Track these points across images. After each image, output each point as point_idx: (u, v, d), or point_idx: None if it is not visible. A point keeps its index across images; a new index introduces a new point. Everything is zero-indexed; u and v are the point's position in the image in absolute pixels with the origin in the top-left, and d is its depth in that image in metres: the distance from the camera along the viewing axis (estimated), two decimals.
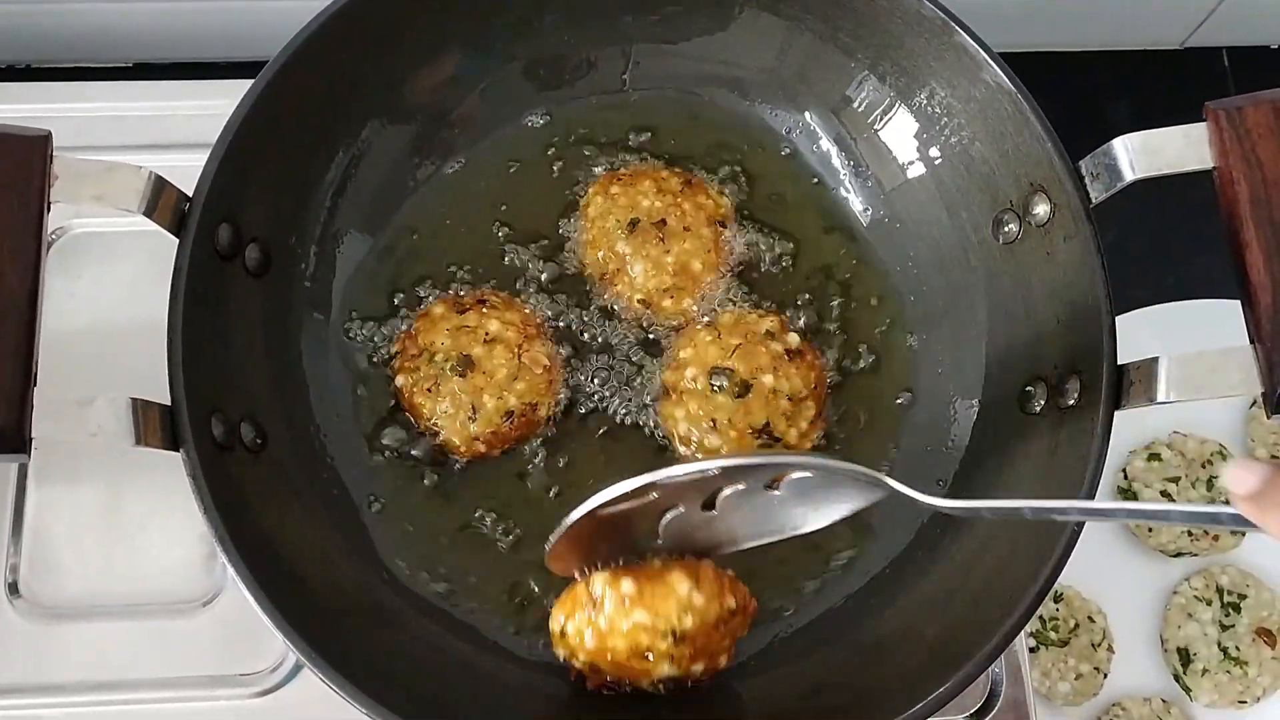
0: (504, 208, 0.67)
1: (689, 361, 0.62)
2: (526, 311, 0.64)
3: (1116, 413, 0.55)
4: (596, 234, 0.65)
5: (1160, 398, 0.52)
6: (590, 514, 0.51)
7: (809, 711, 0.56)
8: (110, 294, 0.71)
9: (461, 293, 0.64)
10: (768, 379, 0.61)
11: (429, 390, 0.61)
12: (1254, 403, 0.91)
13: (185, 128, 0.73)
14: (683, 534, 0.54)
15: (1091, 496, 0.53)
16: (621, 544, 0.53)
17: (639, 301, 0.64)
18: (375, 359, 0.63)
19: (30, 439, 0.48)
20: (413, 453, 0.62)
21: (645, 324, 0.65)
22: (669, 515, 0.53)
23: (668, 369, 0.63)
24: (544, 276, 0.65)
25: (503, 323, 0.62)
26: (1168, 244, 0.95)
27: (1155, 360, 0.53)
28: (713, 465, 0.50)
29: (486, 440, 0.61)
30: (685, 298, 0.64)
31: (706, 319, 0.64)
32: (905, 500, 0.51)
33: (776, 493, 0.52)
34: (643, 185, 0.65)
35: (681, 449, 0.62)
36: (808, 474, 0.51)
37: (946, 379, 0.64)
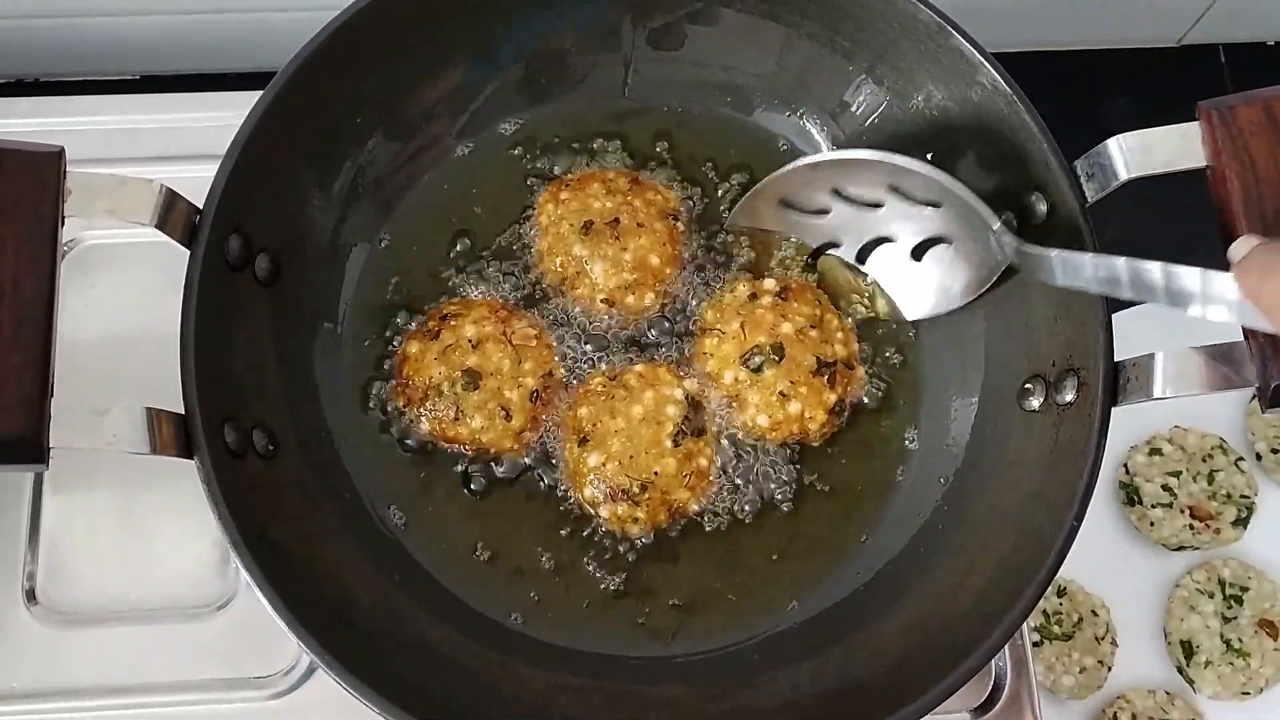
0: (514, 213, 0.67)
1: (719, 371, 0.63)
2: (488, 300, 0.65)
3: (1115, 408, 0.55)
4: (552, 240, 0.65)
5: (1157, 393, 0.53)
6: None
7: (813, 706, 0.57)
8: (122, 304, 0.72)
9: (411, 324, 0.65)
10: (786, 326, 0.63)
11: (456, 419, 0.62)
12: (1253, 397, 0.91)
13: (194, 139, 0.74)
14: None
15: (1090, 491, 0.54)
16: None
17: (602, 301, 0.65)
18: (387, 365, 0.64)
19: (48, 448, 0.49)
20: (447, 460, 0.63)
21: (615, 322, 0.65)
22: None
23: (712, 389, 0.64)
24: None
25: (475, 322, 0.63)
26: (1165, 242, 0.96)
27: (1152, 356, 0.54)
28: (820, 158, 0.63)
29: (528, 429, 0.62)
30: (647, 293, 0.65)
31: (692, 326, 0.65)
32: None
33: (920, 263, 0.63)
34: (591, 188, 0.66)
35: (771, 434, 0.63)
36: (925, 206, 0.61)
37: (946, 377, 0.65)
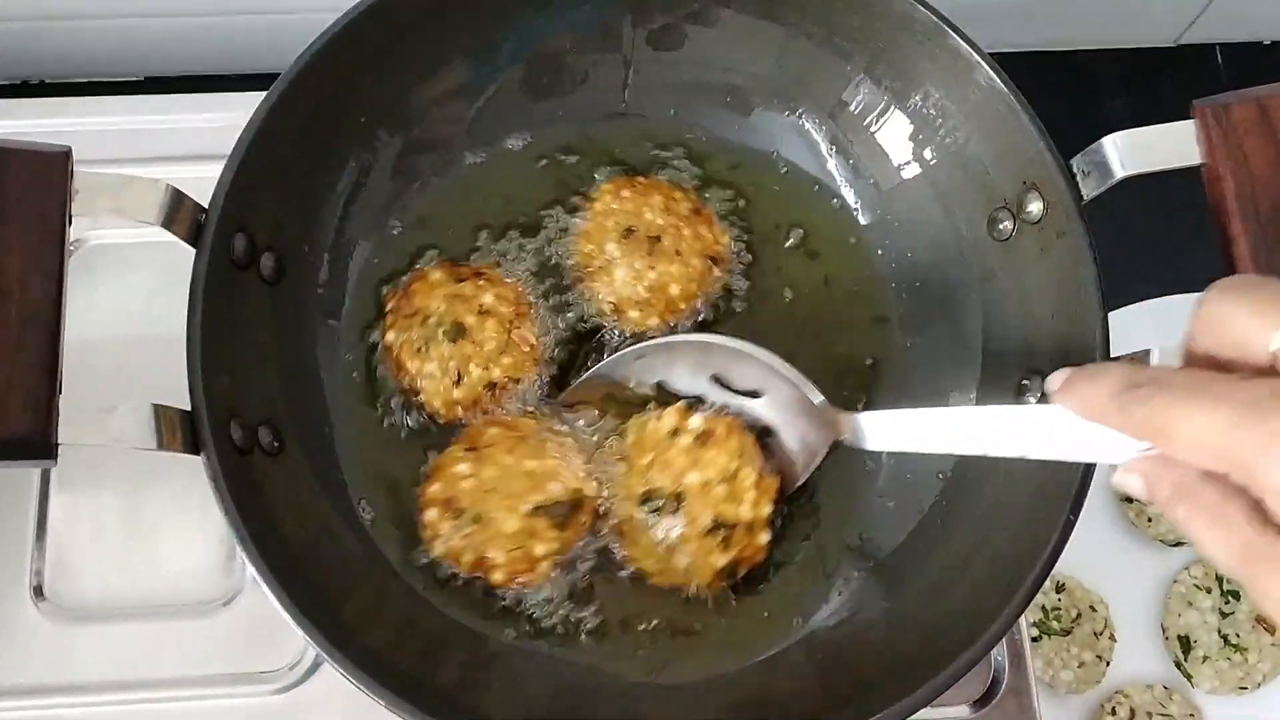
0: (511, 209, 0.68)
1: (619, 501, 0.61)
2: (520, 290, 0.65)
3: None
4: (594, 228, 0.66)
5: None
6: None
7: (810, 699, 0.57)
8: (128, 303, 0.72)
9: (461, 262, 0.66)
10: (693, 476, 0.59)
11: (418, 351, 0.62)
12: None
13: (199, 140, 0.74)
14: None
15: (1086, 487, 0.54)
16: None
17: (609, 303, 0.65)
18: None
19: (57, 445, 0.49)
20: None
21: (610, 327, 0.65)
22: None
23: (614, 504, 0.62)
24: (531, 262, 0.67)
25: (497, 296, 0.64)
26: (1162, 239, 0.97)
27: (1147, 352, 0.54)
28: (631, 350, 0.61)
29: (465, 406, 0.62)
30: (653, 317, 0.65)
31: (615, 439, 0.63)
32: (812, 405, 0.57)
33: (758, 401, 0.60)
34: (652, 198, 0.66)
35: (654, 578, 0.61)
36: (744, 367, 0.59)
37: (943, 373, 0.65)
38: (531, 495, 0.59)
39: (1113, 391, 0.43)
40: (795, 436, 0.60)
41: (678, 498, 0.59)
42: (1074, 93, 1.02)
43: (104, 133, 0.76)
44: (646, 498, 0.59)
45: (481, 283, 0.64)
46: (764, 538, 0.60)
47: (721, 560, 0.59)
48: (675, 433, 0.60)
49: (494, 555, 0.58)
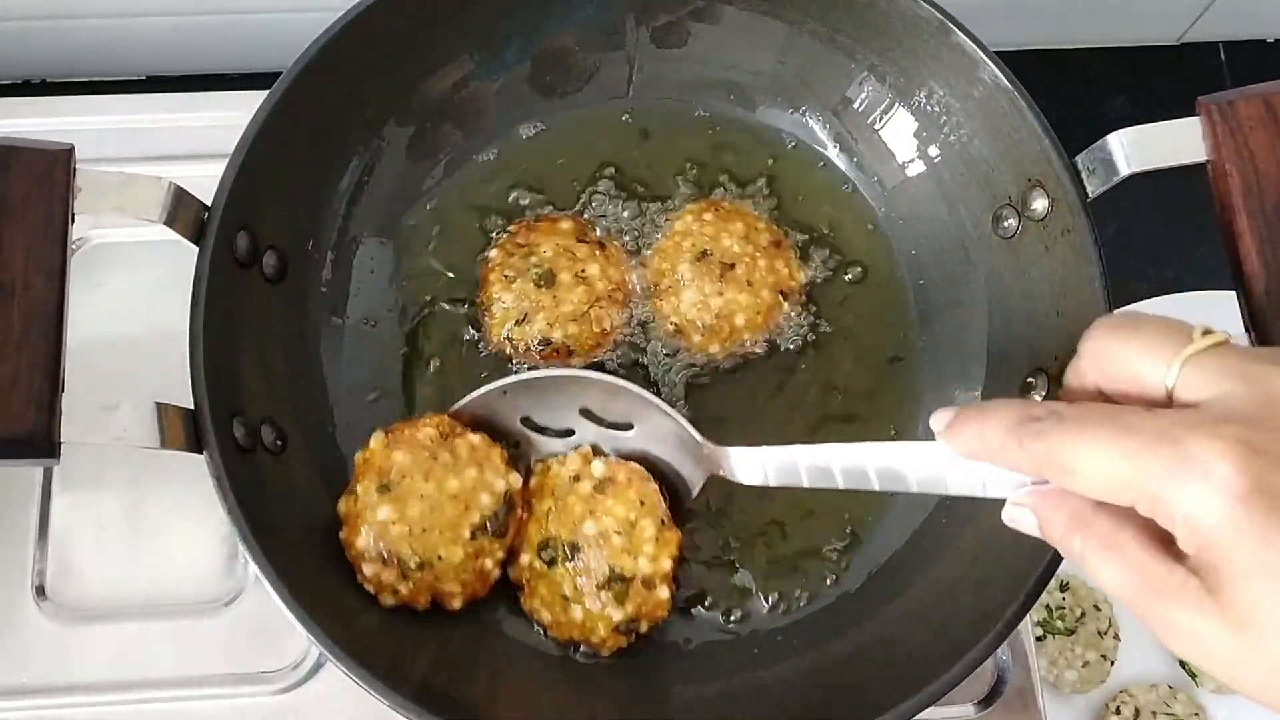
0: (514, 206, 0.68)
1: (519, 550, 0.58)
2: (626, 278, 0.65)
3: None
4: (670, 247, 0.65)
5: None
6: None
7: (812, 703, 0.57)
8: (131, 302, 0.72)
9: (597, 228, 0.66)
10: (589, 526, 0.57)
11: (506, 277, 0.63)
12: None
13: (201, 138, 0.74)
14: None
15: None
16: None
17: (672, 324, 0.64)
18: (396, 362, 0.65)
19: (59, 444, 0.49)
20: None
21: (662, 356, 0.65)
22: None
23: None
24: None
25: (601, 270, 0.64)
26: (1167, 236, 0.97)
27: None
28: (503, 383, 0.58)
29: (514, 347, 0.63)
30: (715, 343, 0.64)
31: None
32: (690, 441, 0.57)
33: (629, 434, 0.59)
34: (733, 225, 0.65)
35: (552, 630, 0.59)
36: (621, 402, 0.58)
37: (948, 371, 0.65)
38: (467, 517, 0.56)
39: (1007, 426, 0.42)
40: (672, 469, 0.59)
41: (573, 547, 0.57)
42: (1077, 91, 1.02)
43: (106, 132, 0.76)
44: (543, 545, 0.57)
45: (598, 253, 0.64)
46: (663, 593, 0.57)
47: (617, 615, 0.56)
48: (577, 478, 0.58)
49: (448, 587, 0.56)
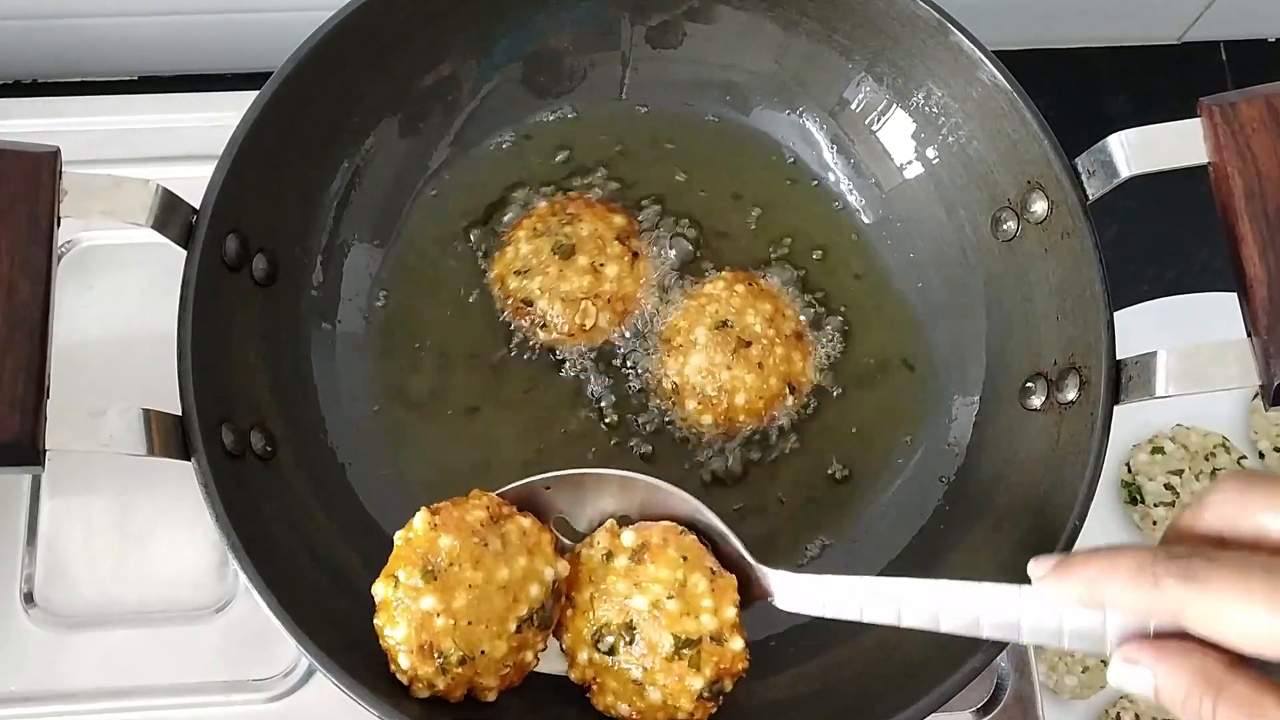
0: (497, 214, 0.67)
1: (574, 649, 0.54)
2: (646, 278, 0.65)
3: (1117, 406, 0.55)
4: (694, 307, 0.64)
5: (1159, 392, 0.53)
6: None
7: (812, 711, 0.56)
8: (119, 306, 0.71)
9: (641, 218, 0.67)
10: (638, 600, 0.53)
11: (535, 230, 0.65)
12: (1256, 395, 0.91)
13: (191, 140, 0.74)
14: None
15: (1092, 490, 0.54)
16: None
17: (669, 382, 0.63)
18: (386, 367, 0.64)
19: (44, 451, 0.48)
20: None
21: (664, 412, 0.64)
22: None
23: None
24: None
25: (618, 276, 0.64)
26: (1168, 239, 0.96)
27: (1154, 354, 0.53)
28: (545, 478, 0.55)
29: (504, 290, 0.64)
30: (708, 414, 0.63)
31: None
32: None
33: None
34: (762, 304, 0.63)
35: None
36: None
37: (946, 377, 0.65)
38: (514, 610, 0.52)
39: (1140, 565, 0.39)
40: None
41: (629, 628, 0.52)
42: (1077, 91, 1.01)
43: (95, 132, 0.75)
44: (598, 637, 0.53)
45: (627, 259, 0.64)
46: (737, 644, 0.52)
47: (697, 682, 0.52)
48: (610, 555, 0.54)
49: (487, 681, 0.52)
